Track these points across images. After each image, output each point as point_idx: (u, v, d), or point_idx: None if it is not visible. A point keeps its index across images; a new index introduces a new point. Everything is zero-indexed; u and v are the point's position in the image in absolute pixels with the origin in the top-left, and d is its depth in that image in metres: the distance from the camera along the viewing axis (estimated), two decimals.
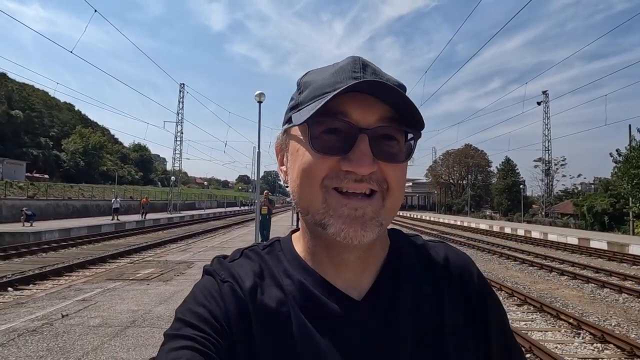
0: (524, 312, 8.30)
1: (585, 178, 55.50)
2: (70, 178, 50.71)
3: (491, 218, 53.25)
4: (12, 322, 5.33)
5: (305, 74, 0.65)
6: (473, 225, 36.84)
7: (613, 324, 7.63)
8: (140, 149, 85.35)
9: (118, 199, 31.11)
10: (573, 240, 22.16)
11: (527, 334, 6.55)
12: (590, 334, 6.77)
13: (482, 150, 77.71)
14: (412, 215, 59.37)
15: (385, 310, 0.61)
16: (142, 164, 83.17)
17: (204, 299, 0.59)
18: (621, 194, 27.76)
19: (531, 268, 13.90)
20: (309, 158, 0.57)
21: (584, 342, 6.49)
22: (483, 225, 35.75)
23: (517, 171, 65.40)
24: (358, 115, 0.56)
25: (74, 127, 61.66)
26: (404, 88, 0.61)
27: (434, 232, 27.90)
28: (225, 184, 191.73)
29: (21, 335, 4.77)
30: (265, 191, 14.06)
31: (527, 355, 5.74)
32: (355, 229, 0.55)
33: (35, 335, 4.78)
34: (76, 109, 72.94)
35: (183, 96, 48.77)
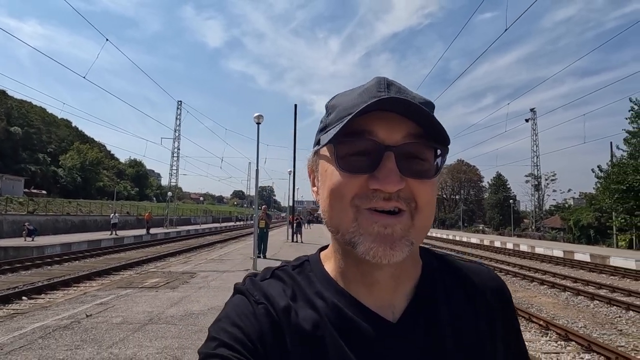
0: None
1: (574, 193, 56.78)
2: (67, 194, 51.13)
3: (483, 232, 54.14)
4: (44, 321, 6.05)
5: (333, 97, 0.66)
6: (464, 239, 37.70)
7: (580, 326, 8.43)
8: (136, 164, 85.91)
9: (116, 215, 31.70)
10: (559, 253, 23.06)
11: None
12: (557, 333, 7.57)
13: (474, 166, 79.29)
14: None
15: (422, 333, 0.60)
16: (138, 180, 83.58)
17: (238, 319, 0.59)
18: (604, 208, 28.83)
19: (514, 278, 14.74)
20: (338, 178, 0.58)
21: (550, 340, 7.30)
22: (474, 239, 36.63)
23: (508, 186, 66.73)
24: (384, 133, 0.56)
25: (71, 143, 62.26)
26: (430, 105, 0.62)
27: (427, 246, 28.57)
28: (220, 199, 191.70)
29: (55, 330, 5.50)
30: (264, 206, 14.97)
31: None
32: (385, 247, 0.55)
33: (68, 330, 5.51)
34: (73, 125, 73.71)
35: (180, 113, 49.89)
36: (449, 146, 0.60)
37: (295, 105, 25.88)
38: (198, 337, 5.32)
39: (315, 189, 0.67)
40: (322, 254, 0.71)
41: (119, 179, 74.14)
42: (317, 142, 0.65)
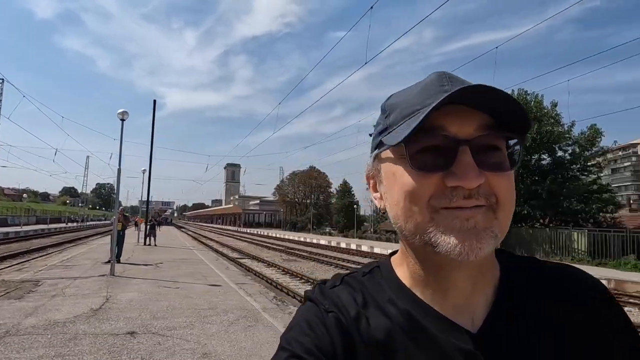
0: None
1: None
2: None
3: (330, 234, 58.76)
4: None
5: (389, 97, 0.63)
6: (314, 241, 40.55)
7: None
8: None
9: None
10: None
11: None
12: None
13: (324, 173, 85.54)
14: (259, 232, 61.30)
15: (505, 345, 0.56)
16: None
17: (308, 329, 0.59)
18: None
19: None
20: (410, 179, 0.54)
21: None
22: (323, 241, 39.68)
23: (352, 192, 73.82)
24: (455, 127, 0.53)
25: None
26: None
27: (280, 248, 30.08)
28: (45, 197, 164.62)
29: None
30: (121, 207, 14.08)
31: None
32: (470, 242, 0.51)
33: None
34: None
35: (1, 93, 41.79)
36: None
37: (155, 101, 24.66)
38: (74, 344, 5.13)
39: (377, 194, 0.64)
40: (393, 259, 0.68)
41: None
42: (378, 145, 0.61)
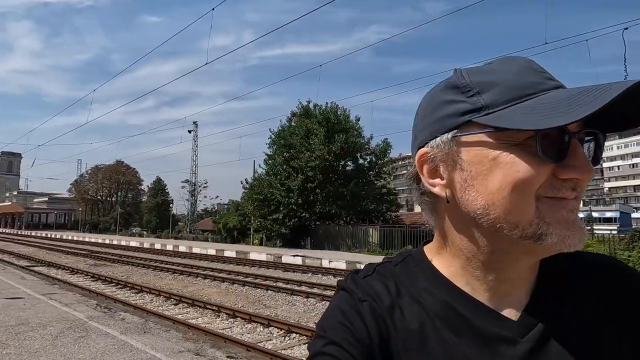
0: (180, 308, 10.41)
1: (221, 199, 66.22)
2: None
3: (141, 235, 54.34)
4: None
5: (465, 74, 0.56)
6: (123, 243, 37.02)
7: (240, 306, 10.84)
8: None
9: None
10: (212, 252, 26.93)
11: (186, 320, 8.65)
12: (226, 314, 9.59)
13: (133, 168, 78.37)
14: (49, 235, 52.09)
15: (545, 330, 0.54)
16: None
17: (342, 317, 0.58)
18: (246, 213, 35.72)
19: (182, 276, 16.45)
20: (526, 167, 0.50)
21: (222, 319, 9.19)
22: (134, 242, 36.68)
23: (166, 191, 69.90)
24: None
25: None
26: None
27: (83, 252, 26.51)
28: None
29: None
30: None
31: (189, 333, 7.72)
32: (580, 233, 0.50)
33: None
34: None
35: None
36: None
37: None
38: None
39: (439, 181, 0.58)
40: (427, 248, 0.65)
41: None
42: (457, 126, 0.55)
